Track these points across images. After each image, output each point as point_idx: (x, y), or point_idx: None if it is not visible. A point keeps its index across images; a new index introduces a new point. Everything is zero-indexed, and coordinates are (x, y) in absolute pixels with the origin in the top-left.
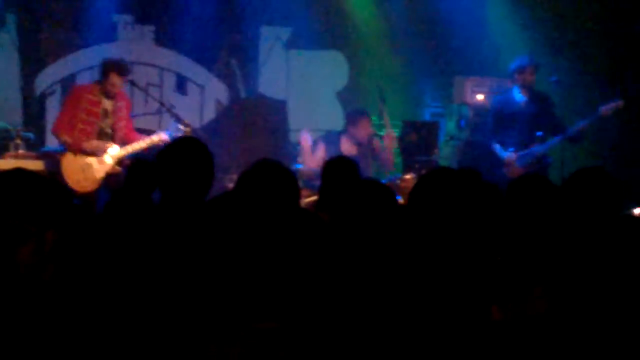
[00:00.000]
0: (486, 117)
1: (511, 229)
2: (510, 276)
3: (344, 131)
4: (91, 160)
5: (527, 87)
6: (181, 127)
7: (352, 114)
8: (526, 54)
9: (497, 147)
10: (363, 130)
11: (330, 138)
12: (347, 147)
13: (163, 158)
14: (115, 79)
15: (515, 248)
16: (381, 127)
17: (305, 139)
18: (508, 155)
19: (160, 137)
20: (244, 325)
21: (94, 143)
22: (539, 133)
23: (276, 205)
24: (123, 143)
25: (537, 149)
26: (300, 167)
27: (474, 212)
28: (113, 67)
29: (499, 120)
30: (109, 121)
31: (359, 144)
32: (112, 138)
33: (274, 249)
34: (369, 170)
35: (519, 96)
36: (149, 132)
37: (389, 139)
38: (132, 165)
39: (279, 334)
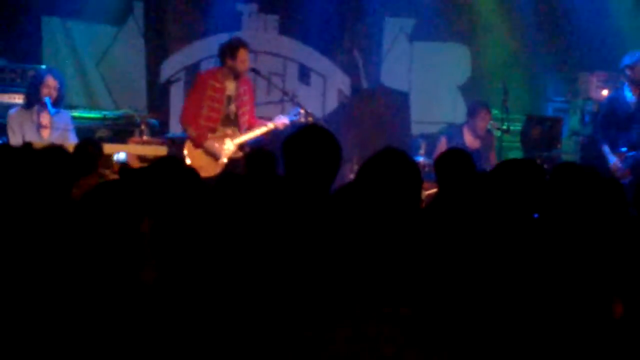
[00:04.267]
0: None
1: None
2: (633, 273)
3: (466, 123)
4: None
5: (636, 84)
6: (302, 111)
7: (472, 105)
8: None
9: (606, 149)
10: (481, 121)
11: (453, 131)
12: (470, 139)
13: (291, 145)
14: (244, 54)
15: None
16: (503, 120)
17: None
18: (614, 162)
19: (282, 121)
20: (376, 309)
21: (215, 145)
22: None
23: (399, 196)
24: (246, 129)
25: None
26: (420, 159)
27: (601, 208)
28: (240, 42)
29: (609, 119)
30: (232, 107)
31: (478, 137)
32: (236, 124)
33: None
34: (492, 162)
35: (629, 95)
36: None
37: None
38: (250, 154)
39: (411, 319)
